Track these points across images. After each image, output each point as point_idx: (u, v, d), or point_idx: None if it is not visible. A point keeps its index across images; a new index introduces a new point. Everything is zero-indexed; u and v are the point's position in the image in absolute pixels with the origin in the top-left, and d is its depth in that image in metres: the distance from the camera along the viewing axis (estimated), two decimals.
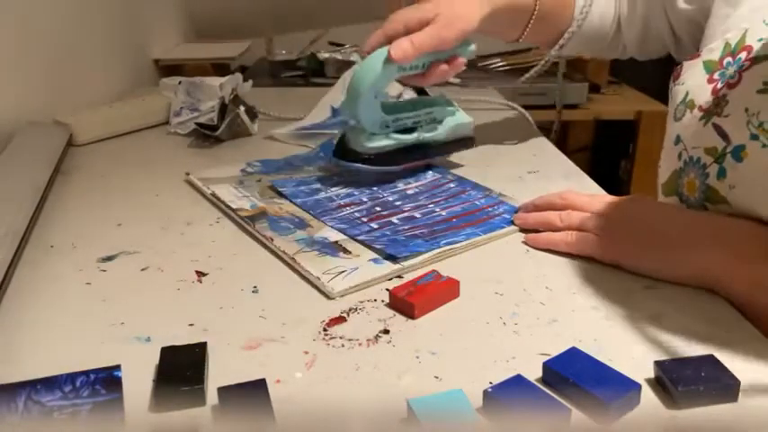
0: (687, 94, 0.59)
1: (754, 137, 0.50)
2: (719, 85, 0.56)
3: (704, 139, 0.55)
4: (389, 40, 0.65)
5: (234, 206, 0.63)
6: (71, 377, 0.37)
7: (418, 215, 0.62)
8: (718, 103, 0.54)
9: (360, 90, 0.66)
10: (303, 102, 0.99)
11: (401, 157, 0.71)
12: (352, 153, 0.69)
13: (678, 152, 0.58)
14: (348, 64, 1.38)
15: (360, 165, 0.69)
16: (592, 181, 0.72)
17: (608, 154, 1.76)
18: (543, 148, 0.85)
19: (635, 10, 0.76)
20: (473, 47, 0.70)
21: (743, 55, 0.55)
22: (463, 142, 0.76)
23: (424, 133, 0.72)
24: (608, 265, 0.52)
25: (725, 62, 0.57)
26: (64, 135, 0.84)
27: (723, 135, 0.53)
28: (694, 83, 0.58)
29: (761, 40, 0.54)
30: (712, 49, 0.59)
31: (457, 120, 0.74)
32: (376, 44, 0.67)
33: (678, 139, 0.58)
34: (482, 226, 0.59)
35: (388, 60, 0.64)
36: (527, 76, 0.86)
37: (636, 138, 1.59)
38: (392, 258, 0.53)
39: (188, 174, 0.72)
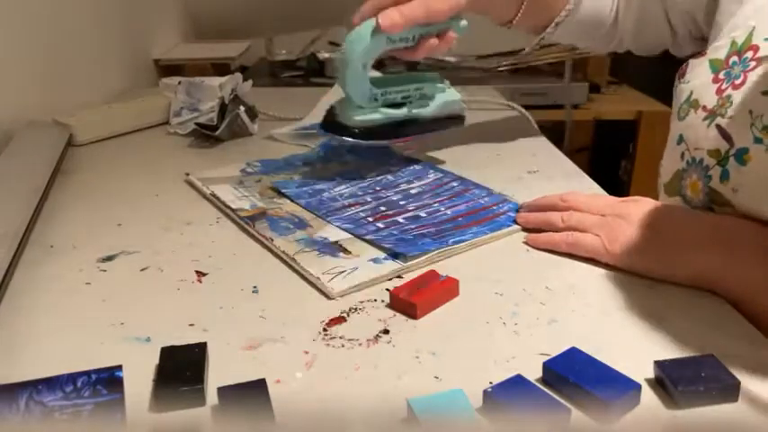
0: (691, 93, 0.58)
1: (758, 140, 0.50)
2: (725, 86, 0.55)
3: (707, 141, 0.54)
4: (379, 12, 0.64)
5: (234, 206, 0.63)
6: (72, 377, 0.37)
7: (423, 214, 0.62)
8: (723, 104, 0.54)
9: (349, 59, 0.65)
10: (303, 102, 0.99)
11: (390, 131, 0.70)
12: (341, 126, 0.68)
13: (681, 152, 0.57)
14: None
15: (348, 138, 0.68)
16: (592, 181, 0.72)
17: (608, 154, 1.76)
18: (543, 148, 0.85)
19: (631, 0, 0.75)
20: (465, 23, 0.69)
21: (749, 54, 0.54)
22: (453, 120, 0.75)
23: (414, 109, 0.71)
24: (608, 265, 0.52)
25: (731, 61, 0.56)
26: (64, 135, 0.84)
27: (726, 137, 0.52)
28: (699, 82, 0.58)
29: (767, 39, 0.54)
30: (718, 48, 0.58)
31: (447, 97, 0.74)
32: (366, 14, 0.66)
33: (681, 139, 0.58)
34: (488, 224, 0.59)
35: (377, 30, 0.64)
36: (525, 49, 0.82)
37: (636, 138, 1.59)
38: (402, 257, 0.53)
39: (188, 174, 0.72)
